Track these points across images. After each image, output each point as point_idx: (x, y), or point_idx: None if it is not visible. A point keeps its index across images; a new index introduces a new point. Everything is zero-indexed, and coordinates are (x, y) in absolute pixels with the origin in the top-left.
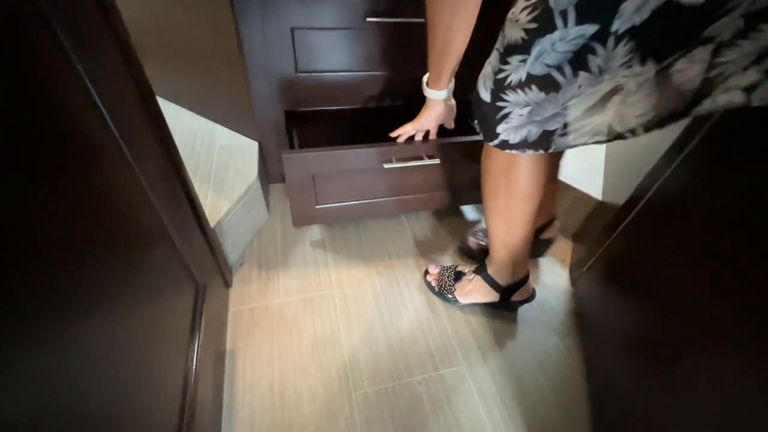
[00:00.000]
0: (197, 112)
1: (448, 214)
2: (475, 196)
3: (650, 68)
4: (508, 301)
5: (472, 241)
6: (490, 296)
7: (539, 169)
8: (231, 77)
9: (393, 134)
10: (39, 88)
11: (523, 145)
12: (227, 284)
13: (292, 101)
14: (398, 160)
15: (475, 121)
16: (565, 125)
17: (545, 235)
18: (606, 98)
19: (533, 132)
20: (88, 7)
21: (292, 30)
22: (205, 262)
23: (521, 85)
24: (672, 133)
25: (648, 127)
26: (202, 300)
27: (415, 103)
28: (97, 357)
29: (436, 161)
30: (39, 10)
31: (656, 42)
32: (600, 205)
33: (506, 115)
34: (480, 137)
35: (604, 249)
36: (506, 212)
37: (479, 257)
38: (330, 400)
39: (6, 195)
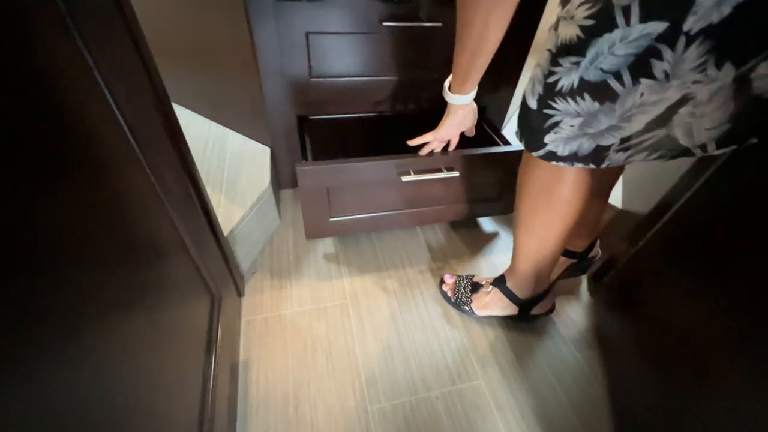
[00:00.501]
0: (208, 117)
1: (464, 222)
2: (494, 209)
3: (727, 73)
4: (527, 314)
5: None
6: (509, 309)
7: (585, 188)
8: (243, 81)
9: (412, 143)
10: (52, 93)
11: (572, 158)
12: (240, 293)
13: (305, 106)
14: (416, 173)
15: (516, 130)
16: (623, 140)
17: (592, 254)
18: (673, 109)
19: (585, 146)
20: (104, 4)
21: (307, 35)
22: (220, 272)
23: (572, 93)
24: None
25: (721, 143)
26: (218, 311)
27: (429, 109)
28: (111, 369)
29: (455, 174)
30: (54, 6)
31: (737, 43)
32: (620, 214)
33: (556, 124)
34: (502, 148)
35: (626, 260)
36: (541, 228)
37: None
38: (346, 415)
39: (15, 200)
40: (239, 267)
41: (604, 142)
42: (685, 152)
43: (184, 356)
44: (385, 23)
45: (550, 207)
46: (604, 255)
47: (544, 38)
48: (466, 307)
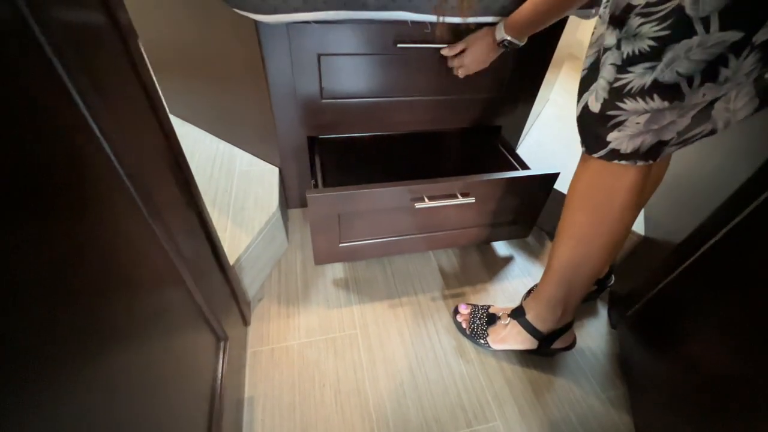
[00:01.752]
0: (216, 135)
1: (477, 246)
2: (510, 233)
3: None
4: (547, 348)
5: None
6: (528, 343)
7: (640, 194)
8: (253, 101)
9: (445, 52)
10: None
11: (634, 155)
12: (246, 322)
13: (316, 127)
14: (430, 199)
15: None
16: (678, 133)
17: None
18: (712, 104)
19: (647, 141)
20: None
21: (319, 56)
22: (225, 308)
23: (642, 93)
24: (754, 159)
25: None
26: (224, 353)
27: (441, 130)
28: (105, 411)
29: (471, 200)
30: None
31: None
32: (644, 242)
33: (620, 123)
34: (520, 173)
35: (656, 292)
36: (595, 240)
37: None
38: None
39: None
40: (246, 295)
41: (666, 136)
42: (712, 133)
43: (188, 398)
44: (399, 45)
45: (611, 215)
46: (627, 286)
47: (561, 56)
48: (482, 341)
